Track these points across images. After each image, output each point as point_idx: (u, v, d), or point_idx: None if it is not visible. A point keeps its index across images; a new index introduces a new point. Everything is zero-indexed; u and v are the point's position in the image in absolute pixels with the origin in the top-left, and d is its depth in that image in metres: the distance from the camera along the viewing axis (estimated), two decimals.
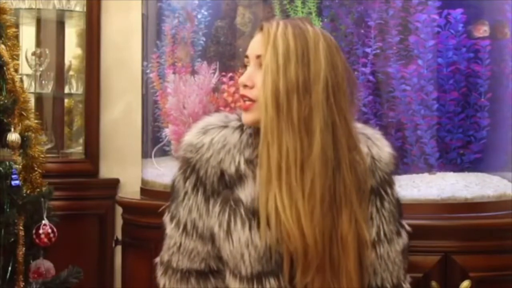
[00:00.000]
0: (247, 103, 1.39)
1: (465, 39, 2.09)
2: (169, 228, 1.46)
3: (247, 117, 1.40)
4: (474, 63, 2.10)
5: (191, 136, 1.43)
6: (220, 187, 1.40)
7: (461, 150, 2.11)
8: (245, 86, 1.39)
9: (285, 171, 1.31)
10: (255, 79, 1.38)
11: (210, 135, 1.41)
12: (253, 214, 1.36)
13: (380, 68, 2.12)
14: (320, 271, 1.32)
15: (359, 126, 1.45)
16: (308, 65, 1.33)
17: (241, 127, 1.42)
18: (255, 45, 1.40)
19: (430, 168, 2.10)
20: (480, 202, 2.07)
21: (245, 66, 1.42)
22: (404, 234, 1.47)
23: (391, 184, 1.45)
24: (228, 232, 1.37)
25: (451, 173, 2.10)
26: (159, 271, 1.48)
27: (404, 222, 1.49)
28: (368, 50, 2.11)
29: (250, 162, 1.39)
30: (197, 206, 1.41)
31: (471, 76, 2.11)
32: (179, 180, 1.43)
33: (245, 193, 1.38)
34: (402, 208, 1.49)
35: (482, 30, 2.11)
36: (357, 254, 1.35)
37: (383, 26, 2.10)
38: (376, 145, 1.45)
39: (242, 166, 1.38)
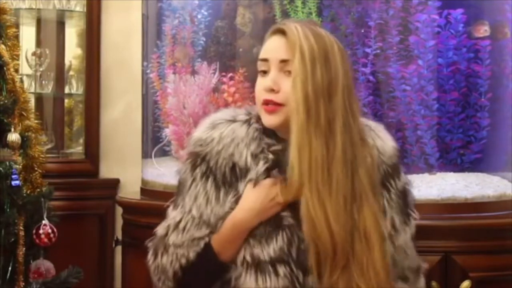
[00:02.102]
0: (272, 106, 1.39)
1: (465, 39, 2.10)
2: (171, 212, 1.45)
3: (272, 120, 1.39)
4: (474, 63, 2.10)
5: (199, 132, 1.44)
6: (233, 178, 1.41)
7: (461, 150, 2.11)
8: (271, 90, 1.39)
9: (314, 173, 1.33)
10: (281, 83, 1.38)
11: (219, 130, 1.41)
12: None
13: (380, 68, 2.12)
14: (345, 268, 1.34)
15: (362, 120, 1.47)
16: (330, 68, 1.35)
17: (248, 121, 1.43)
18: (278, 49, 1.39)
19: (430, 168, 2.10)
20: (480, 202, 2.07)
21: (263, 72, 1.40)
22: (412, 221, 1.49)
23: (394, 176, 1.46)
24: None
25: (451, 173, 2.10)
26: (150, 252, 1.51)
27: (412, 210, 1.50)
28: (368, 50, 2.11)
29: (255, 156, 1.40)
30: (205, 191, 1.41)
31: (471, 76, 2.11)
32: (186, 170, 1.43)
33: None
34: (410, 197, 1.50)
35: (483, 30, 2.11)
36: (381, 248, 1.36)
37: (383, 26, 2.10)
38: (379, 137, 1.46)
39: (249, 159, 1.40)
